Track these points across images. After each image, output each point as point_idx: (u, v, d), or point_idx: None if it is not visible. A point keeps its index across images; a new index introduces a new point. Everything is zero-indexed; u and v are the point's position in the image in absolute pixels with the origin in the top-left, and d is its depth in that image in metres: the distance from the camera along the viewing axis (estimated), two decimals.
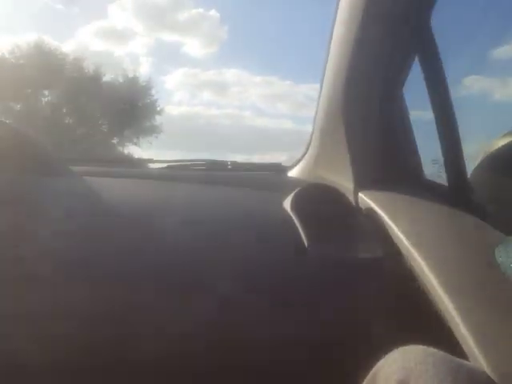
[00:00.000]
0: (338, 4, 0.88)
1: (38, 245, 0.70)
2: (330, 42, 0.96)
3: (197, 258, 0.74)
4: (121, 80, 21.49)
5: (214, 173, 1.34)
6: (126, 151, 21.50)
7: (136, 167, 1.47)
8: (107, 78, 21.40)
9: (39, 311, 0.64)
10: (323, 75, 1.05)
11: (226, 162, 1.43)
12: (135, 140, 21.97)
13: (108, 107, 20.05)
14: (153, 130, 22.09)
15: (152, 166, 1.48)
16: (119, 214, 0.81)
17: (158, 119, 21.93)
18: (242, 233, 0.81)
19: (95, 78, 20.63)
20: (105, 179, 1.05)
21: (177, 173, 1.31)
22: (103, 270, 0.69)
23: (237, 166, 1.42)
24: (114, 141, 22.28)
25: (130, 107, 20.84)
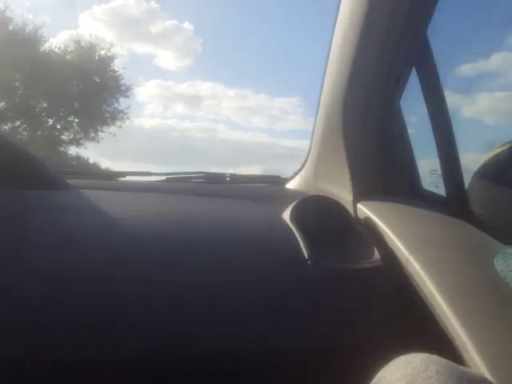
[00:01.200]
0: (335, 18, 0.90)
1: (37, 259, 0.70)
2: (328, 56, 0.98)
3: (197, 269, 0.74)
4: (71, 48, 14.93)
5: (212, 185, 1.34)
6: (83, 154, 15.88)
7: (133, 180, 1.47)
8: (50, 44, 14.61)
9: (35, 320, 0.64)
10: (321, 88, 1.06)
11: (225, 174, 1.44)
12: (92, 133, 15.46)
13: (52, 86, 13.61)
14: (116, 117, 15.34)
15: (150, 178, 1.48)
16: (119, 227, 0.81)
17: (123, 102, 15.68)
18: (241, 244, 0.81)
19: (31, 43, 13.63)
20: (104, 192, 1.05)
21: (176, 185, 1.31)
22: (102, 282, 0.69)
23: (235, 179, 1.42)
24: (64, 136, 15.62)
25: (84, 86, 14.54)
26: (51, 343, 0.62)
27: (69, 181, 1.04)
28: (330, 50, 0.96)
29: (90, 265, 0.71)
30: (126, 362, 0.64)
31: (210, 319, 0.68)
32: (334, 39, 0.93)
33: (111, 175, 1.54)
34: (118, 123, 15.58)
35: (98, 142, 15.84)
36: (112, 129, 15.67)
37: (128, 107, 15.92)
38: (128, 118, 15.75)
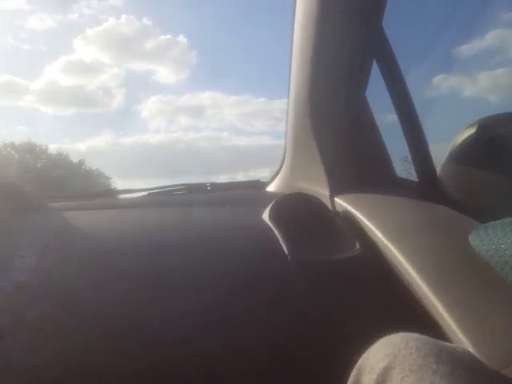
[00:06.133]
0: (293, 16, 0.91)
1: (20, 281, 0.70)
2: (290, 56, 0.99)
3: (184, 277, 0.75)
4: None
5: (194, 195, 1.35)
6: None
7: (116, 198, 1.47)
8: None
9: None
10: (288, 88, 1.08)
11: (205, 183, 1.44)
12: None
13: None
14: None
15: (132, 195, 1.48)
16: (104, 244, 0.82)
17: None
18: (224, 248, 0.82)
19: None
20: (86, 212, 1.05)
21: (157, 199, 1.32)
22: (90, 302, 0.69)
23: (216, 187, 1.43)
24: None
25: None
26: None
27: (51, 204, 1.05)
28: (291, 49, 0.98)
29: (78, 286, 0.71)
30: (125, 368, 0.65)
31: (201, 321, 0.69)
32: (293, 38, 0.95)
33: (93, 195, 1.54)
34: None
35: None
36: None
37: None
38: None
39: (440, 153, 0.93)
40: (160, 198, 1.32)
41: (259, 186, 1.42)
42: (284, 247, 0.77)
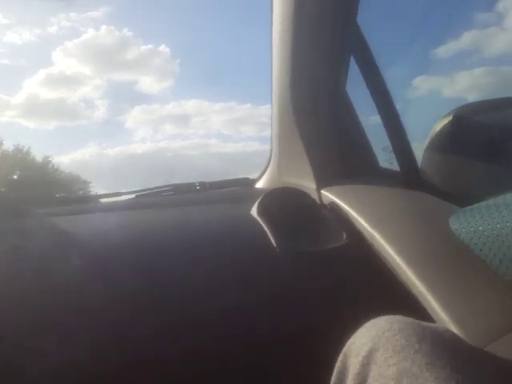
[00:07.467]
0: (271, 18, 0.93)
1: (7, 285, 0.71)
2: (270, 54, 1.01)
3: (176, 275, 0.76)
4: None
5: (183, 196, 1.36)
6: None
7: (103, 202, 1.47)
8: None
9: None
10: (271, 86, 1.09)
11: (194, 183, 1.44)
12: None
13: None
14: None
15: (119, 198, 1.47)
16: (95, 247, 0.82)
17: None
18: (214, 245, 0.83)
19: None
20: (74, 217, 1.06)
21: (145, 201, 1.32)
22: (81, 306, 0.70)
23: (205, 186, 1.43)
24: None
25: None
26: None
27: (40, 210, 1.05)
28: (271, 47, 0.99)
29: (66, 290, 0.72)
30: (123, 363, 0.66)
31: (194, 317, 0.70)
32: (272, 38, 0.97)
33: (79, 200, 1.54)
34: None
35: None
36: None
37: None
38: None
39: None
40: (149, 200, 1.33)
41: (247, 183, 1.43)
42: (273, 240, 0.79)
